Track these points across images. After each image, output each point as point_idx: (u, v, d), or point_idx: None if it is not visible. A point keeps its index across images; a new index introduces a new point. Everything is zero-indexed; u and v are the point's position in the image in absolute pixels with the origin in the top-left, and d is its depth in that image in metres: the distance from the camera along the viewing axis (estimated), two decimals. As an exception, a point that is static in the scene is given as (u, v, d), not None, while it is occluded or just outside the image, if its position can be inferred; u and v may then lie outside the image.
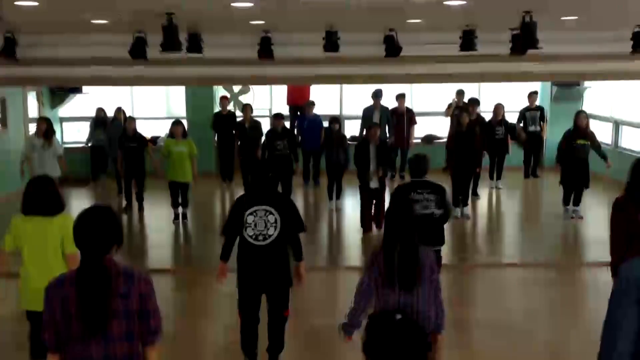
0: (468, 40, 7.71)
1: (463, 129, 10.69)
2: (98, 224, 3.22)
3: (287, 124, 13.60)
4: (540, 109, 13.35)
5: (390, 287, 4.34)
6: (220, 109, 13.18)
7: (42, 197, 4.95)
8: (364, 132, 12.49)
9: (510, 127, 12.62)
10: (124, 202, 11.41)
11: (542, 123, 13.21)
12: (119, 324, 3.19)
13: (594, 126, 11.24)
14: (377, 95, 12.73)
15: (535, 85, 14.49)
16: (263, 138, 11.69)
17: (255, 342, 5.59)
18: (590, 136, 10.36)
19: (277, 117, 11.36)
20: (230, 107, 13.91)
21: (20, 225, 5.00)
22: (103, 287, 3.16)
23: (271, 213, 5.28)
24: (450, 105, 13.65)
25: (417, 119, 14.23)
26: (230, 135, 12.88)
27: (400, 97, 13.25)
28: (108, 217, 3.27)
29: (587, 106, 14.34)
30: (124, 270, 3.26)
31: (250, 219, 5.27)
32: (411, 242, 4.34)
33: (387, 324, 2.05)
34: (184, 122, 13.63)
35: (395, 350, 1.97)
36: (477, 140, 10.77)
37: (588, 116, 10.63)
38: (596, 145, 10.34)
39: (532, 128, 13.11)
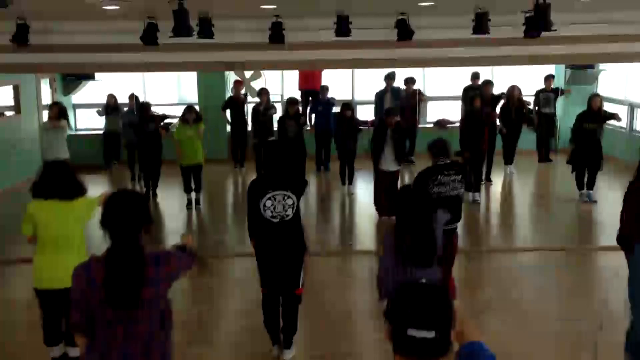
0: (481, 24, 7.63)
1: (475, 110, 10.66)
2: (127, 206, 3.26)
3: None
4: (556, 91, 13.26)
5: (405, 265, 4.59)
6: (232, 94, 13.23)
7: (60, 181, 4.99)
8: (380, 116, 12.52)
9: (523, 112, 12.58)
10: (143, 189, 11.48)
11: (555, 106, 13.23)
12: (147, 310, 3.22)
13: (608, 108, 11.14)
14: (390, 77, 12.68)
15: (550, 68, 14.37)
16: (275, 124, 11.79)
17: (277, 319, 5.72)
18: (601, 119, 10.39)
19: (292, 103, 11.36)
20: (243, 91, 13.92)
21: (36, 210, 5.01)
22: (134, 272, 3.17)
23: (289, 197, 5.40)
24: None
25: (430, 103, 14.21)
26: (243, 120, 12.94)
27: (409, 82, 13.19)
28: (136, 199, 3.34)
29: (602, 89, 14.21)
30: (149, 255, 3.28)
31: (268, 203, 5.36)
32: (428, 225, 4.49)
33: (412, 286, 2.09)
34: (196, 108, 13.71)
35: (422, 309, 2.00)
36: (487, 118, 10.80)
37: (602, 99, 10.58)
38: (601, 126, 10.45)
39: (545, 110, 13.09)
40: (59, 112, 10.23)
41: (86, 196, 5.17)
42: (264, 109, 12.14)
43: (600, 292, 7.32)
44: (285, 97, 14.50)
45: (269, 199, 5.36)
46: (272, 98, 13.91)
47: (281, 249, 5.53)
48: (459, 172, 6.23)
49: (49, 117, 10.38)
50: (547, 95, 13.07)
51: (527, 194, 12.13)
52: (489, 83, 12.48)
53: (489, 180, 11.86)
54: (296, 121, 11.37)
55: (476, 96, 11.04)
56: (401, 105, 12.70)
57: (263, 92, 12.38)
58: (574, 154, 10.49)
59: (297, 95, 14.09)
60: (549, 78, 13.18)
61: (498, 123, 11.92)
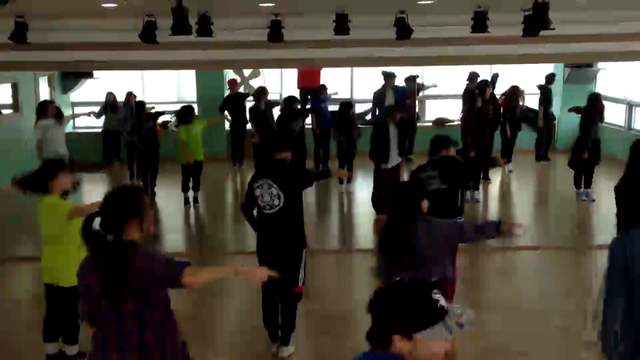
0: (480, 22, 7.63)
1: (474, 116, 10.66)
2: (114, 197, 3.38)
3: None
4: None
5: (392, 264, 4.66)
6: (229, 92, 13.26)
7: (32, 177, 5.22)
8: (378, 114, 12.48)
9: (525, 113, 12.60)
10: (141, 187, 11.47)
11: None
12: (132, 301, 3.27)
13: (607, 108, 11.18)
14: (389, 75, 12.61)
15: (549, 67, 14.38)
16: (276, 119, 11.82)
17: (275, 317, 5.75)
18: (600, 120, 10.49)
19: (292, 101, 11.32)
20: (241, 89, 13.92)
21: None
22: (116, 261, 3.23)
23: (271, 186, 5.54)
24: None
25: (429, 102, 14.20)
26: (242, 118, 12.93)
27: (411, 79, 13.17)
28: (126, 192, 3.43)
29: (600, 88, 14.22)
30: (140, 246, 3.35)
31: (258, 192, 5.59)
32: (402, 223, 4.58)
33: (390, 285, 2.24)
34: (195, 106, 13.72)
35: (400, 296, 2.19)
36: (487, 121, 10.80)
37: (602, 101, 10.68)
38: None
39: (549, 109, 13.12)
40: (57, 111, 10.20)
41: (55, 196, 5.15)
42: (264, 108, 12.11)
43: (598, 290, 7.31)
44: (285, 96, 14.54)
45: (258, 187, 5.58)
46: (272, 97, 13.95)
47: (276, 241, 5.59)
48: (435, 167, 6.22)
49: (46, 115, 10.27)
50: (548, 93, 13.12)
51: (526, 193, 12.13)
52: (488, 84, 12.46)
53: (487, 178, 11.86)
54: (297, 117, 11.30)
55: (476, 96, 11.00)
56: (401, 102, 12.65)
57: (262, 92, 12.35)
58: (574, 155, 10.55)
59: (297, 93, 14.10)
60: (551, 77, 13.20)
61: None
